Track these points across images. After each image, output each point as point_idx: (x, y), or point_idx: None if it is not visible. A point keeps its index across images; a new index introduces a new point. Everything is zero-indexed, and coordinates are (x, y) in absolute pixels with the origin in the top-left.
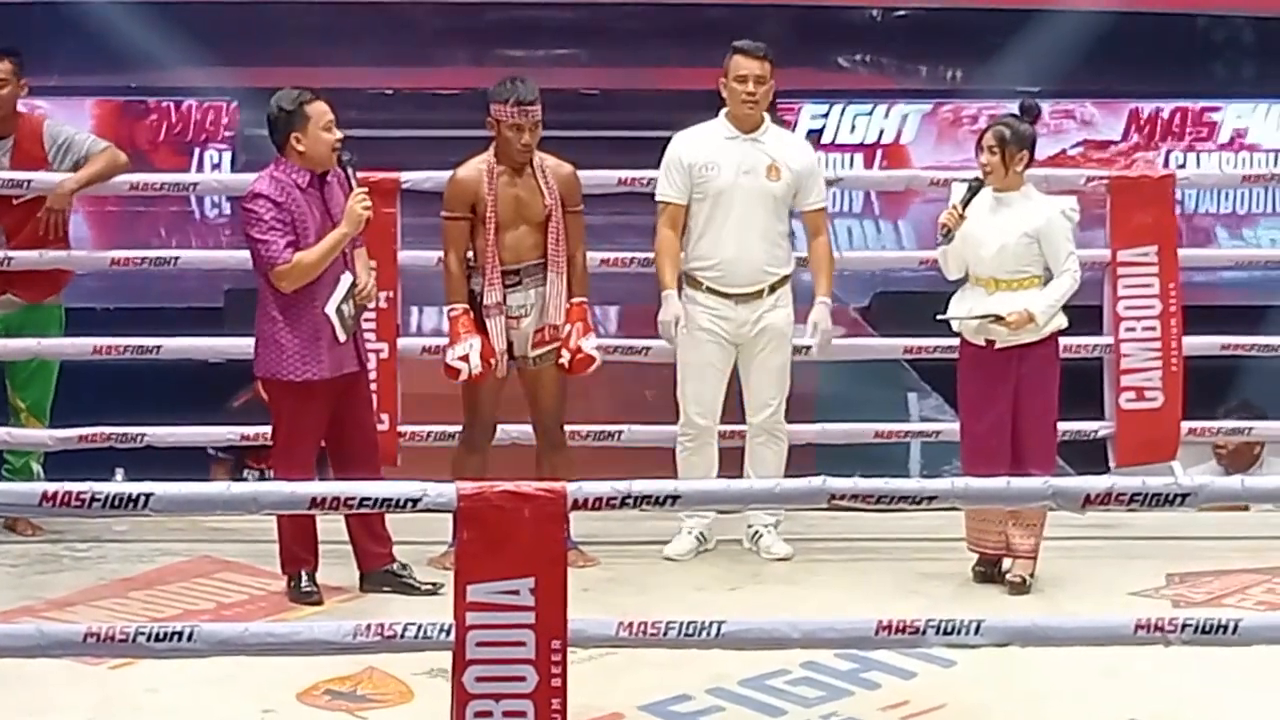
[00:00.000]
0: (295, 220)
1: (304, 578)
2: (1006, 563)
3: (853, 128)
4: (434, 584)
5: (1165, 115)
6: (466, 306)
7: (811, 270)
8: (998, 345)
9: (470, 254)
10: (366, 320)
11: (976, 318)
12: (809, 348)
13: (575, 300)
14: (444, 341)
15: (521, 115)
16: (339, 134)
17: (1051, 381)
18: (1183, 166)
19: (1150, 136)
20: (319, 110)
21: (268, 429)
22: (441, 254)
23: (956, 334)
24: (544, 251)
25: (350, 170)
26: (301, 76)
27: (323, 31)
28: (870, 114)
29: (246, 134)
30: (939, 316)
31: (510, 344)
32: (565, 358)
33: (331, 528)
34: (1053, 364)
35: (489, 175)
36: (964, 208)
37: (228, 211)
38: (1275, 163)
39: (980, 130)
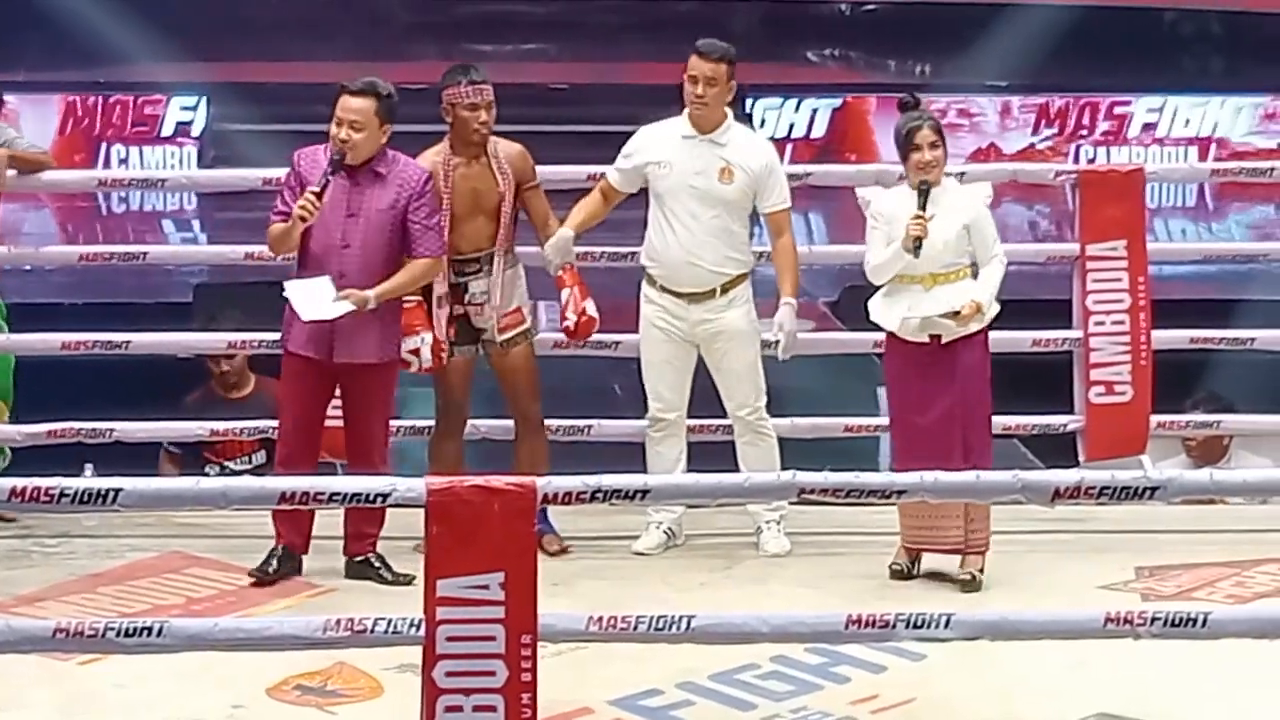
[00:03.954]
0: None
1: (269, 552)
2: (928, 559)
3: (762, 121)
4: (408, 575)
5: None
6: (421, 299)
7: (776, 271)
8: (943, 340)
9: None
10: None
11: (938, 315)
12: (776, 342)
13: (564, 264)
14: None
15: (476, 94)
16: (344, 133)
17: (986, 372)
18: (1092, 160)
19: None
20: (340, 101)
21: (232, 424)
22: None
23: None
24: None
25: (328, 174)
26: (272, 71)
27: (292, 26)
28: (780, 108)
29: (215, 129)
30: (884, 324)
31: (479, 331)
32: (571, 320)
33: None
34: (986, 354)
35: (445, 167)
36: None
37: (136, 206)
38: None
39: (905, 129)
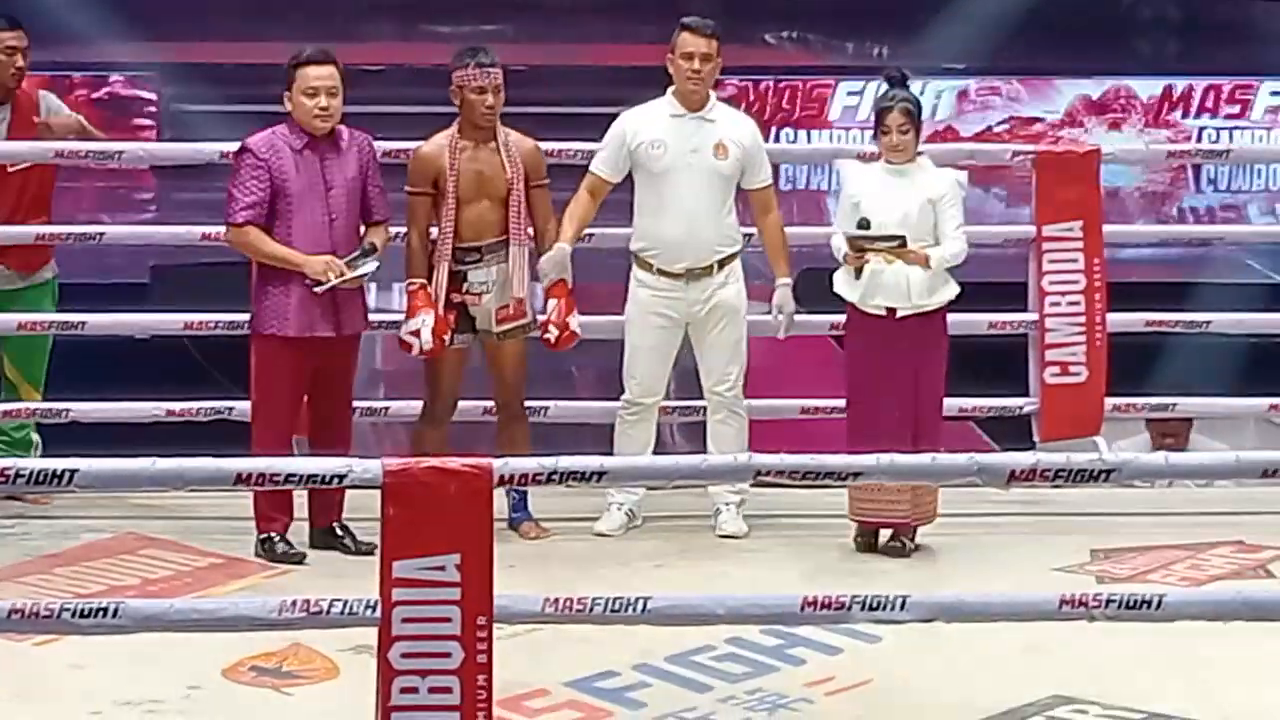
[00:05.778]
0: (276, 180)
1: (277, 538)
2: (884, 533)
3: None
4: (370, 544)
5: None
6: (424, 281)
7: (768, 250)
8: (899, 315)
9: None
10: None
11: (881, 240)
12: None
13: (558, 279)
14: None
15: (484, 76)
16: (324, 100)
17: (944, 355)
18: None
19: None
20: (304, 74)
21: (195, 404)
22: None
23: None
24: (506, 227)
25: (362, 256)
26: (227, 52)
27: (247, 6)
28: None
29: (171, 110)
30: (844, 294)
31: (473, 319)
32: (553, 334)
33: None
34: (944, 337)
35: (451, 150)
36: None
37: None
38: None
39: (878, 109)
